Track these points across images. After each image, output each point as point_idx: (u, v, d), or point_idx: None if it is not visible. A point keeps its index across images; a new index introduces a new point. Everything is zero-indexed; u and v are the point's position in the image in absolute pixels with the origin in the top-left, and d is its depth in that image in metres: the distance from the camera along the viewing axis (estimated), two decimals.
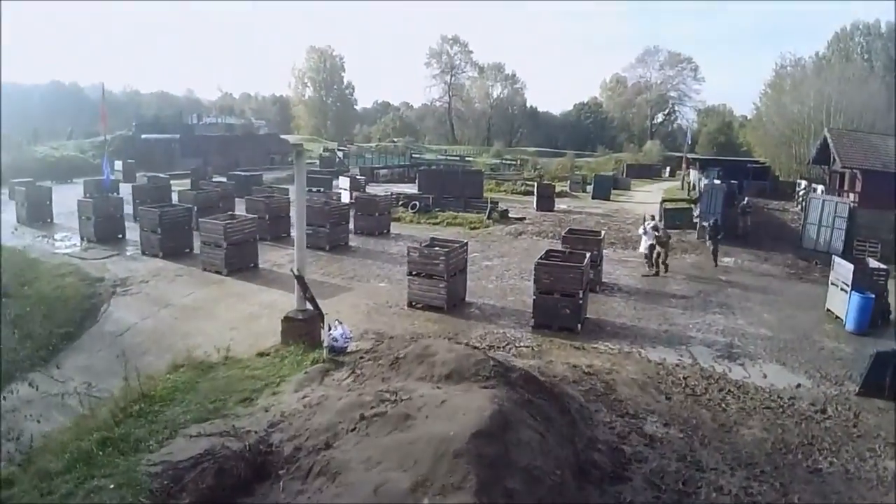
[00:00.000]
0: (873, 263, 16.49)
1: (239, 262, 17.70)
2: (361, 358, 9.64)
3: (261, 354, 11.03)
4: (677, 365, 11.99)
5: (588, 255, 14.69)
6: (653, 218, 20.80)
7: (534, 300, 13.78)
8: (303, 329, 11.17)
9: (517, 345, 12.58)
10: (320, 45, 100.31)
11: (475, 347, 12.03)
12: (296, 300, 11.58)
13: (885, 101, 49.50)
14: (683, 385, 10.96)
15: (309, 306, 11.43)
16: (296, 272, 11.36)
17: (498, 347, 12.36)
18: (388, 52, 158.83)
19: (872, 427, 9.85)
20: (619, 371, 11.35)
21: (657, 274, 18.95)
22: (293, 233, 21.54)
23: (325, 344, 10.29)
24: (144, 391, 9.07)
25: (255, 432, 7.22)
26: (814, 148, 38.49)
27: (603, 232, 19.01)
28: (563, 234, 18.31)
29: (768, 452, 8.69)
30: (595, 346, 12.79)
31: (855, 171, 31.44)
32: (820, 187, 33.83)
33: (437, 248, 15.12)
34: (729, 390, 10.84)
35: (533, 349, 12.36)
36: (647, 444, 8.48)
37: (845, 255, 19.95)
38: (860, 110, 47.03)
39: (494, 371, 7.59)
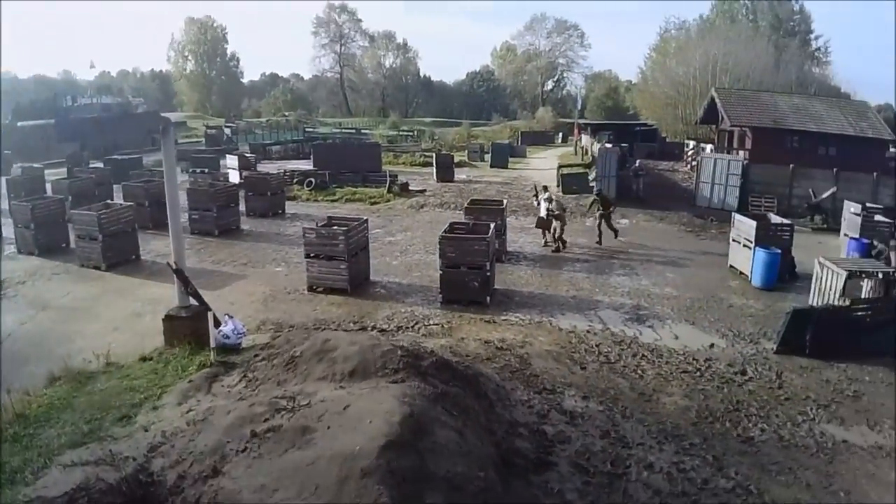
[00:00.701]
0: (775, 219, 16.91)
1: (118, 254, 16.01)
2: (256, 356, 8.68)
3: (143, 359, 9.79)
4: (588, 331, 11.81)
5: (492, 225, 14.25)
6: (545, 189, 19.57)
7: (440, 275, 13.20)
8: (187, 327, 10.01)
9: (426, 323, 11.98)
10: (199, 15, 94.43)
11: (382, 331, 11.43)
12: (177, 296, 10.39)
13: (772, 59, 52.29)
14: (597, 353, 10.75)
15: (193, 301, 10.28)
16: (173, 265, 10.15)
17: (406, 328, 11.73)
18: (271, 21, 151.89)
19: (799, 388, 9.78)
20: (532, 343, 11.01)
21: (557, 250, 18.02)
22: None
23: (212, 344, 9.23)
24: (19, 411, 7.92)
25: (134, 459, 6.23)
26: (701, 108, 40.11)
27: (505, 201, 18.61)
28: (465, 205, 17.80)
29: (694, 422, 8.46)
30: (506, 317, 12.42)
31: (744, 128, 32.92)
32: (709, 146, 35.22)
33: (335, 228, 14.17)
34: (643, 355, 10.71)
35: (443, 327, 11.80)
36: (569, 421, 8.10)
37: (740, 211, 20.66)
38: (747, 70, 49.39)
39: (403, 362, 6.91)
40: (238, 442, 5.57)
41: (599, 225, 19.17)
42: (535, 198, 19.98)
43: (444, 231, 13.74)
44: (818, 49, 71.37)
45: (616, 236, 19.31)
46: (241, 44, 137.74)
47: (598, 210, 19.25)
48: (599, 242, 18.90)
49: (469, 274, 12.98)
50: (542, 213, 18.45)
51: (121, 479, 5.46)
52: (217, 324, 10.10)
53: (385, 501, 4.32)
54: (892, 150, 34.91)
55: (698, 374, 10.14)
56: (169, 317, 10.11)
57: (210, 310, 10.07)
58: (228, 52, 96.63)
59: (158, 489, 5.37)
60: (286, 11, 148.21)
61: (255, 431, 5.63)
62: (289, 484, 4.71)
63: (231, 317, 10.23)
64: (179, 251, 10.22)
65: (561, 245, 18.11)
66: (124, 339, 11.17)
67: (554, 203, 18.26)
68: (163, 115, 61.70)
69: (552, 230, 18.30)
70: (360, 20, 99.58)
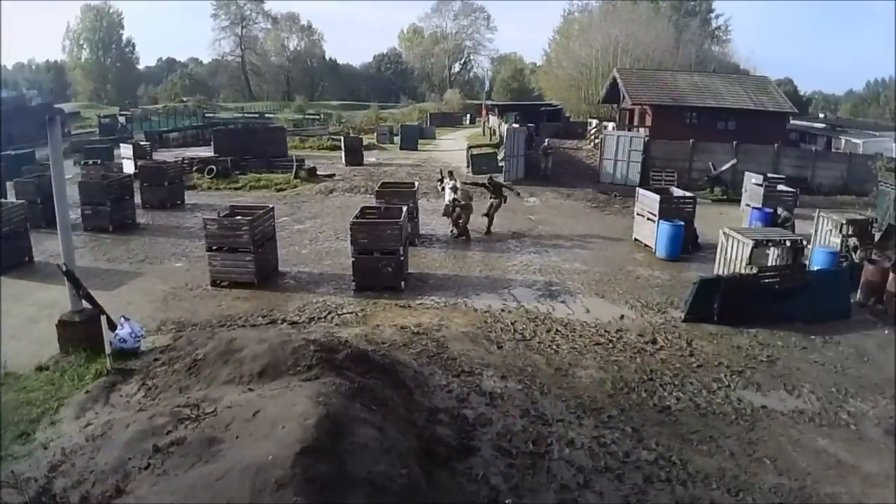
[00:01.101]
0: (678, 192, 17.49)
1: (11, 257, 14.56)
2: (155, 360, 8.07)
3: (39, 368, 8.98)
4: (503, 310, 11.82)
5: (404, 208, 13.99)
6: (451, 175, 18.31)
7: (353, 262, 12.83)
8: (82, 333, 9.20)
9: (340, 312, 11.59)
10: (95, 1, 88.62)
11: (293, 323, 10.98)
12: (70, 300, 9.54)
13: (672, 39, 54.20)
14: (513, 331, 10.76)
15: (86, 304, 9.48)
16: (63, 267, 9.30)
17: (319, 319, 11.30)
18: (167, 3, 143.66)
19: (711, 355, 10.01)
20: (449, 326, 10.88)
21: (466, 238, 16.97)
22: (70, 215, 18.42)
23: (107, 350, 8.52)
24: None
25: (36, 480, 5.63)
26: (603, 88, 41.22)
27: (416, 183, 18.38)
28: (376, 188, 17.44)
29: (610, 394, 8.57)
30: (421, 302, 12.23)
31: (645, 106, 34.04)
32: (611, 125, 36.24)
33: (238, 217, 13.47)
34: (557, 330, 10.81)
35: (357, 315, 11.47)
36: (489, 403, 8.02)
37: (642, 185, 21.34)
38: (647, 50, 51.04)
39: (317, 357, 6.56)
40: (140, 458, 5.10)
41: (489, 213, 17.89)
42: (439, 182, 19.08)
43: (356, 216, 13.35)
44: (718, 28, 74.71)
45: (488, 231, 17.80)
46: (137, 29, 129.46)
47: (491, 198, 18.07)
48: (488, 232, 17.77)
49: (382, 259, 12.68)
50: (447, 199, 17.48)
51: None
52: (113, 327, 9.37)
53: None
54: (791, 122, 37.06)
55: (611, 345, 10.33)
56: (62, 322, 9.27)
57: (104, 313, 9.30)
58: (124, 38, 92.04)
59: None
60: None
61: (158, 446, 5.17)
62: (198, 501, 4.32)
63: (127, 319, 9.48)
64: (69, 251, 9.37)
65: (466, 236, 17.07)
66: (21, 346, 10.21)
67: (459, 192, 17.20)
68: (56, 106, 57.63)
69: (456, 217, 17.17)
70: (261, 1, 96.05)
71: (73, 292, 9.33)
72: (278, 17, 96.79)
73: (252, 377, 6.32)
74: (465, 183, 18.69)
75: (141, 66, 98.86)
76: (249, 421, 5.18)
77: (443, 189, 18.00)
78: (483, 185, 18.45)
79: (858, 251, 13.30)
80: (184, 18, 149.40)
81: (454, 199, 17.03)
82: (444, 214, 17.78)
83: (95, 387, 7.62)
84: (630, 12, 58.18)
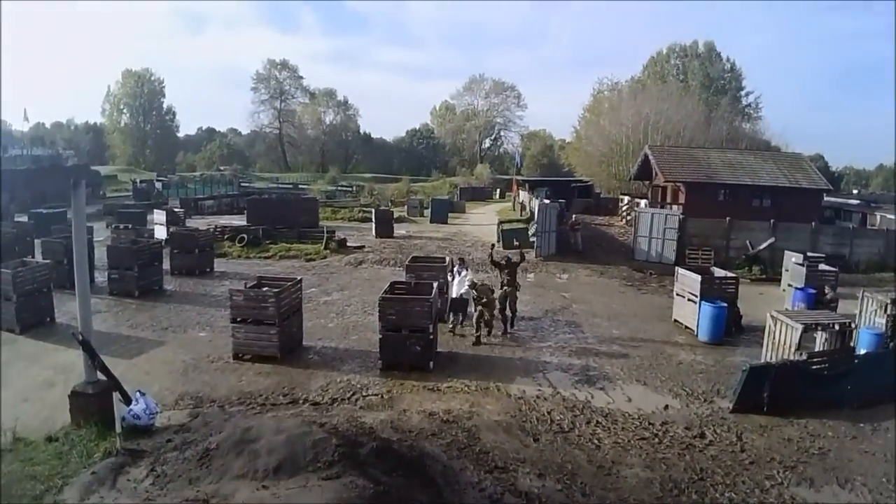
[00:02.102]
0: (719, 272, 16.86)
1: (33, 316, 14.49)
2: (168, 442, 7.51)
3: (49, 439, 8.55)
4: (538, 396, 11.10)
5: (435, 284, 13.54)
6: (462, 262, 15.43)
7: (380, 339, 12.29)
8: (93, 406, 8.75)
9: (365, 394, 10.98)
10: (136, 68, 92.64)
11: (315, 404, 10.40)
12: (84, 370, 9.14)
13: (703, 116, 54.47)
14: (549, 421, 10.03)
15: (101, 376, 9.05)
16: (79, 336, 8.94)
17: (343, 400, 10.70)
18: (210, 75, 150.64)
19: (762, 450, 9.38)
20: (480, 413, 10.17)
21: (477, 341, 13.88)
22: (98, 277, 18.45)
23: (118, 429, 8.01)
24: None
25: None
26: (635, 165, 41.11)
27: (448, 258, 17.99)
28: (406, 262, 17.06)
29: (658, 496, 7.80)
30: (450, 384, 11.56)
31: (678, 184, 33.67)
32: (643, 202, 35.88)
33: (265, 289, 13.13)
34: (597, 422, 10.05)
35: (383, 397, 10.84)
36: None
37: (678, 263, 20.71)
38: (678, 127, 51.22)
39: (338, 452, 5.94)
40: None
41: (504, 306, 14.77)
42: (449, 273, 15.41)
43: (385, 291, 12.90)
44: (749, 105, 75.09)
45: (489, 333, 14.25)
46: (178, 97, 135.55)
47: (504, 285, 15.00)
48: (507, 332, 14.80)
49: (411, 337, 12.13)
50: (454, 293, 14.60)
51: None
52: (127, 401, 8.90)
53: None
54: (826, 198, 36.36)
55: (656, 440, 9.55)
56: (75, 393, 8.84)
57: (119, 387, 8.85)
58: (165, 105, 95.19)
59: None
60: (225, 66, 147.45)
61: None
62: None
63: (143, 393, 9.02)
64: (87, 319, 9.04)
65: (485, 332, 14.07)
66: (34, 410, 9.90)
67: (479, 286, 14.18)
68: (92, 168, 59.50)
69: (477, 315, 14.07)
70: (301, 77, 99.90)
71: (88, 363, 8.93)
72: (316, 92, 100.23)
73: (267, 472, 5.71)
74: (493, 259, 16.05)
75: (181, 134, 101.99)
76: None
77: (453, 278, 14.93)
78: (504, 264, 15.15)
79: None
80: (226, 90, 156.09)
81: (476, 295, 14.06)
82: (449, 311, 14.73)
83: (103, 467, 7.07)
84: (659, 90, 58.71)
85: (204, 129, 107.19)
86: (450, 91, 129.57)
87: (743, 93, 75.23)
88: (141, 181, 55.42)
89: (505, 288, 14.99)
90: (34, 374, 11.80)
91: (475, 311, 14.17)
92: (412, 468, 6.67)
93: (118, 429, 8.06)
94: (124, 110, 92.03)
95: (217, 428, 7.25)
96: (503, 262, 15.30)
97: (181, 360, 12.64)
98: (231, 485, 5.57)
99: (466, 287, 14.35)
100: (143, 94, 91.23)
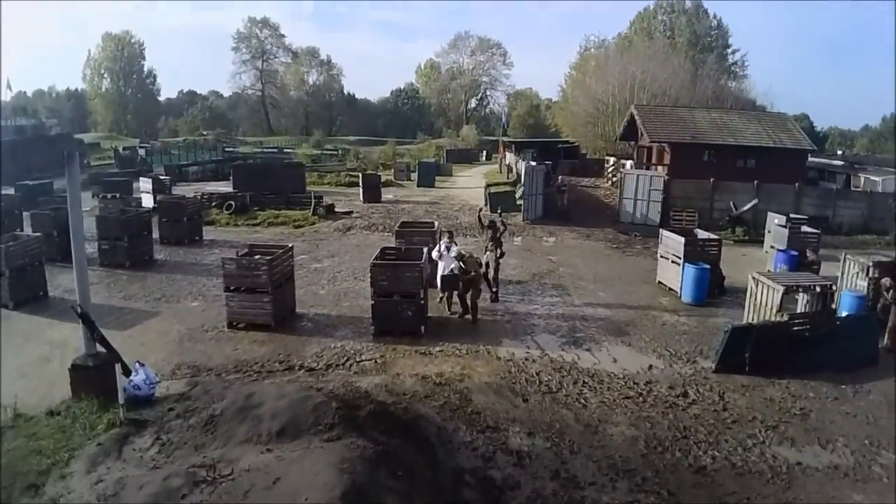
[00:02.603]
0: (703, 234, 17.12)
1: (25, 291, 14.53)
2: (170, 411, 7.76)
3: (51, 413, 8.75)
4: (527, 359, 11.45)
5: (425, 249, 13.75)
6: (450, 236, 14.28)
7: (372, 305, 12.55)
8: (94, 379, 8.93)
9: (359, 359, 11.27)
10: (117, 31, 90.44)
11: (311, 370, 10.69)
12: (83, 343, 9.31)
13: (689, 74, 54.17)
14: (538, 382, 10.38)
15: (101, 348, 9.24)
16: (78, 309, 9.09)
17: (337, 365, 10.99)
18: (189, 36, 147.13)
19: (744, 409, 9.66)
20: (471, 376, 10.52)
21: (473, 319, 13.39)
22: (87, 249, 18.36)
23: (121, 399, 8.25)
24: None
25: None
26: (621, 125, 41.08)
27: (436, 222, 18.14)
28: (395, 227, 17.23)
29: (643, 453, 8.17)
30: (441, 348, 11.87)
31: (663, 144, 33.76)
32: (629, 162, 36.01)
33: (257, 257, 13.30)
34: (584, 382, 10.42)
35: (376, 362, 11.15)
36: (516, 463, 7.63)
37: (662, 225, 21.00)
38: (665, 86, 50.94)
39: (338, 415, 6.24)
40: None
41: (487, 272, 14.68)
42: (439, 244, 14.25)
43: (376, 257, 13.10)
44: (735, 63, 74.81)
45: (496, 297, 14.78)
46: (158, 60, 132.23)
47: (489, 246, 14.99)
48: (495, 297, 14.89)
49: (402, 303, 12.40)
50: (445, 269, 13.66)
51: None
52: (127, 373, 9.11)
53: None
54: (810, 159, 36.59)
55: (641, 399, 9.93)
56: (75, 367, 9.03)
57: (119, 359, 9.04)
58: (145, 68, 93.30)
59: None
60: (205, 26, 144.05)
61: None
62: None
63: (142, 364, 9.23)
64: (85, 292, 9.16)
65: (472, 314, 13.46)
66: (32, 386, 10.06)
67: (466, 259, 13.50)
68: (75, 136, 58.53)
69: (462, 295, 13.62)
70: (283, 35, 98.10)
71: (88, 335, 9.09)
72: (298, 51, 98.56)
73: (271, 436, 6.00)
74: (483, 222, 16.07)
75: (162, 98, 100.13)
76: (269, 489, 4.86)
77: (440, 256, 13.87)
78: (492, 226, 15.13)
79: (893, 291, 12.79)
80: (205, 51, 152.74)
81: (461, 269, 13.39)
82: (442, 290, 14.08)
83: (108, 439, 7.31)
84: (646, 48, 58.28)
85: (185, 92, 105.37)
86: (435, 50, 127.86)
87: (729, 51, 74.93)
88: (124, 148, 54.72)
89: (489, 254, 14.99)
90: (30, 351, 11.93)
91: (461, 286, 13.51)
92: (408, 430, 7.01)
93: (121, 400, 8.28)
94: (105, 75, 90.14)
95: (218, 396, 7.50)
96: (489, 224, 15.28)
97: (176, 330, 12.84)
98: (236, 450, 5.86)
99: (455, 263, 13.53)
100: (124, 58, 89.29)
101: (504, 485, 7.08)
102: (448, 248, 13.81)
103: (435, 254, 13.92)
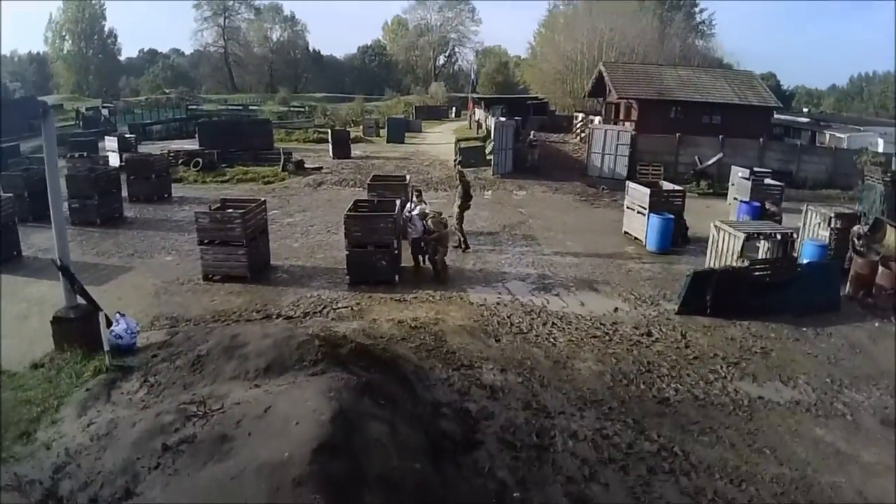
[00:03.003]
0: (667, 185, 17.57)
1: None
2: (154, 357, 7.95)
3: (35, 366, 8.85)
4: (499, 303, 11.84)
5: (398, 201, 13.94)
6: (419, 195, 14.31)
7: (347, 256, 12.77)
8: (77, 330, 9.03)
9: (335, 307, 11.53)
10: None
11: (288, 318, 10.92)
12: (64, 296, 9.38)
13: (657, 32, 54.30)
14: (509, 324, 10.80)
15: (81, 300, 9.33)
16: (58, 262, 9.14)
17: (315, 313, 11.23)
18: None
19: (706, 347, 10.09)
20: (445, 320, 10.88)
21: (444, 278, 13.11)
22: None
23: (106, 347, 8.40)
24: None
25: (40, 482, 5.51)
26: (589, 82, 41.23)
27: (408, 176, 18.26)
28: (367, 181, 17.34)
29: (609, 386, 8.63)
30: (415, 295, 12.20)
31: (631, 100, 34.09)
32: (597, 118, 36.28)
33: (230, 211, 13.35)
34: (553, 323, 10.87)
35: (353, 309, 11.42)
36: (490, 396, 8.05)
37: (629, 179, 21.35)
38: (633, 44, 51.05)
39: (321, 352, 6.52)
40: (149, 458, 5.02)
41: (459, 222, 15.24)
42: (409, 203, 14.12)
43: (349, 209, 13.26)
44: (702, 22, 75.02)
45: (465, 245, 15.23)
46: (118, 19, 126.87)
47: (458, 198, 15.37)
48: (464, 246, 15.32)
49: (376, 253, 12.64)
50: (416, 231, 13.30)
51: None
52: (108, 323, 9.24)
53: None
54: (775, 116, 37.23)
55: (607, 338, 10.41)
56: (57, 319, 9.11)
57: (100, 309, 9.16)
58: (106, 29, 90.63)
59: None
60: None
61: (168, 444, 5.10)
62: (213, 502, 4.26)
63: (122, 315, 9.34)
64: (63, 246, 9.19)
65: (442, 273, 13.17)
66: (13, 344, 10.03)
67: (431, 220, 13.20)
68: (39, 99, 56.49)
69: (432, 257, 13.26)
70: None
71: (68, 288, 9.17)
72: (261, 7, 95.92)
73: (258, 373, 6.27)
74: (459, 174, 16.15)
75: (122, 58, 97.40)
76: (261, 417, 5.13)
77: (409, 218, 13.50)
78: (461, 174, 15.91)
79: (862, 239, 13.31)
80: (165, 8, 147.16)
81: (426, 230, 13.18)
82: (414, 252, 13.63)
83: (96, 384, 7.48)
84: (615, 6, 58.12)
85: (145, 51, 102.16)
86: (402, 6, 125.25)
87: (697, 10, 75.08)
88: (86, 109, 53.19)
89: (458, 205, 15.31)
90: (7, 310, 11.85)
91: (426, 246, 13.29)
92: (388, 366, 7.33)
93: (105, 347, 8.43)
94: (66, 37, 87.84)
95: (202, 339, 7.70)
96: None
97: (151, 283, 12.90)
98: (225, 386, 6.11)
99: (420, 223, 13.24)
100: (84, 19, 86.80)
101: (479, 415, 7.49)
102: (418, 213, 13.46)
103: (405, 213, 13.60)
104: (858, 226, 13.59)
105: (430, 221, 13.24)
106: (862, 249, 13.24)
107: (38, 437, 6.70)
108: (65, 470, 5.66)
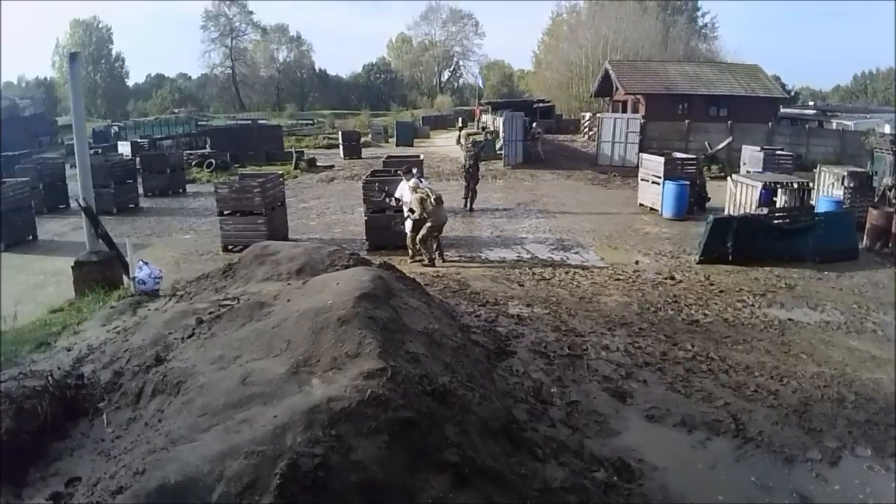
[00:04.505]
0: (679, 155, 17.57)
1: (15, 233, 14.56)
2: (188, 284, 7.94)
3: (54, 311, 8.85)
4: (518, 259, 11.87)
5: (415, 170, 13.91)
6: (419, 177, 12.54)
7: (366, 221, 12.82)
8: (98, 273, 9.07)
9: None
10: (84, 16, 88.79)
11: None
12: (87, 240, 9.43)
13: (660, 36, 54.61)
14: (531, 273, 10.79)
15: (103, 246, 9.37)
16: (82, 202, 9.20)
17: None
18: (155, 21, 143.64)
19: (731, 285, 10.07)
20: (467, 271, 10.90)
21: (431, 263, 11.45)
22: (72, 203, 18.21)
23: (127, 283, 8.40)
24: None
25: (59, 368, 5.42)
26: (595, 81, 41.43)
27: (422, 155, 18.30)
28: (383, 160, 17.43)
29: (638, 313, 8.60)
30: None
31: (638, 96, 34.22)
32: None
33: (250, 181, 13.43)
34: (575, 272, 10.85)
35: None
36: (518, 322, 8.02)
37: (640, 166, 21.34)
38: (636, 47, 51.30)
39: (353, 259, 6.52)
40: (182, 331, 4.99)
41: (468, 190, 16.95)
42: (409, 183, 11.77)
43: (367, 176, 13.30)
44: (705, 25, 75.28)
45: (432, 262, 11.58)
46: (125, 44, 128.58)
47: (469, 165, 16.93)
48: (470, 207, 16.88)
49: (395, 217, 12.64)
50: (408, 223, 11.78)
51: (46, 384, 4.66)
52: (126, 270, 9.26)
53: (371, 343, 3.88)
54: (782, 109, 37.18)
55: (630, 280, 10.42)
56: (78, 263, 9.14)
57: (122, 255, 9.19)
58: (114, 53, 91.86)
59: (92, 389, 4.70)
60: (169, 12, 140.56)
61: (202, 319, 5.06)
62: (253, 348, 4.20)
63: (146, 262, 9.38)
64: (87, 186, 9.26)
65: (429, 259, 11.51)
66: (29, 309, 10.00)
67: (432, 197, 11.19)
68: (49, 119, 57.18)
69: (421, 234, 11.33)
70: (251, 12, 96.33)
71: (91, 232, 9.22)
72: (268, 28, 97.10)
73: (290, 275, 6.21)
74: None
75: (130, 83, 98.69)
76: (299, 289, 5.09)
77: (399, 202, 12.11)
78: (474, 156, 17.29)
79: (893, 189, 13.22)
80: (173, 34, 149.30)
81: (421, 209, 11.21)
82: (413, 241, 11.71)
83: (121, 303, 7.46)
84: (617, 10, 58.52)
85: (153, 76, 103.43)
86: (406, 22, 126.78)
87: (699, 13, 75.42)
88: (96, 127, 53.83)
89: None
90: (23, 281, 11.94)
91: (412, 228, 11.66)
92: (418, 287, 7.28)
93: (127, 282, 8.42)
94: None
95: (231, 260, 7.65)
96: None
97: (171, 255, 12.96)
98: (257, 286, 6.07)
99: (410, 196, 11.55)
100: (92, 43, 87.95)
101: (509, 335, 7.45)
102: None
103: (398, 193, 12.14)
104: (888, 178, 13.51)
105: (414, 197, 11.31)
106: None
107: (58, 344, 6.58)
108: (87, 358, 5.57)
